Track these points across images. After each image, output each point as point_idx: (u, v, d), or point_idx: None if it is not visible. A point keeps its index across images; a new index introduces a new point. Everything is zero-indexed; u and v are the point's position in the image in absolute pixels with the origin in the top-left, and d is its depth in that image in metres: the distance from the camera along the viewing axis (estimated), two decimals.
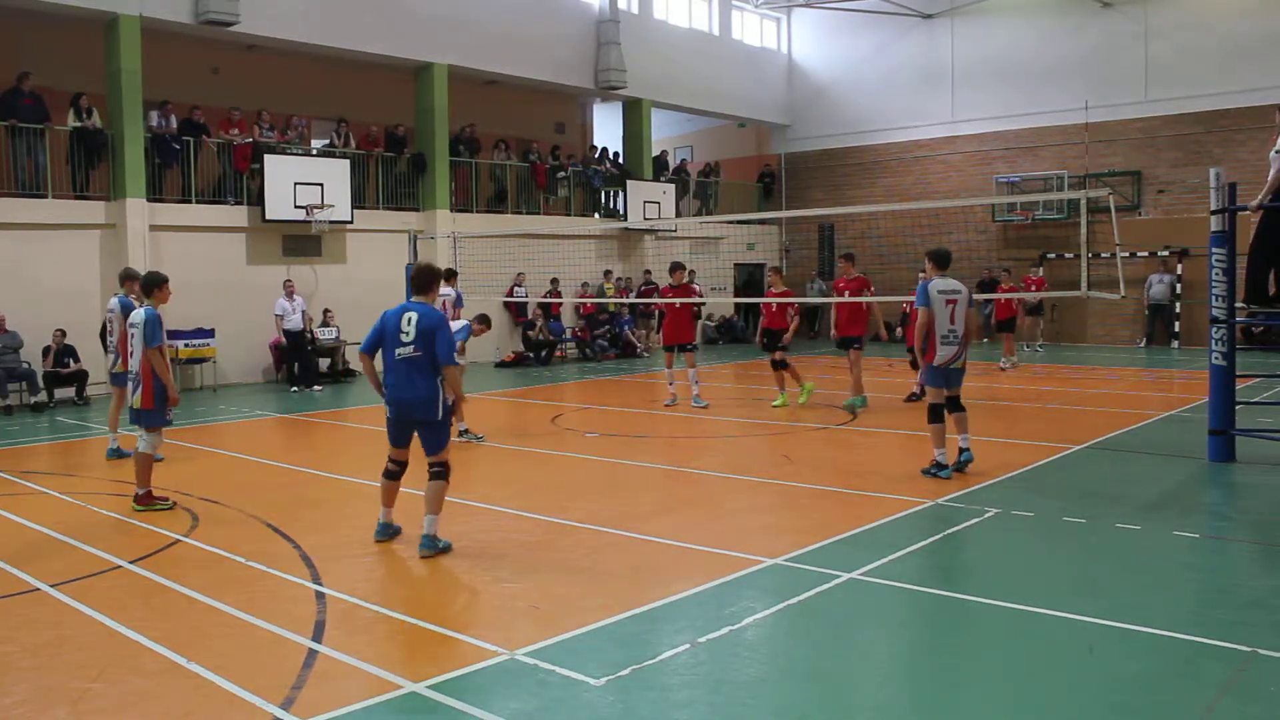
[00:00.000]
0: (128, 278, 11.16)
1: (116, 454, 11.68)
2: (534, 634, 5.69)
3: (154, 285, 9.32)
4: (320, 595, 6.49)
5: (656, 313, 25.99)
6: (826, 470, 10.22)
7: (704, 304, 15.21)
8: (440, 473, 7.51)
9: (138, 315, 9.17)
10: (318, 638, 5.71)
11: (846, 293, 14.79)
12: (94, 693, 5.05)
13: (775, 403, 15.16)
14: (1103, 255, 22.76)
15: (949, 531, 7.88)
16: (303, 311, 19.29)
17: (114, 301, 11.19)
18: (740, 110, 31.51)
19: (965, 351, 9.81)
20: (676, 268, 15.60)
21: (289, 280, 19.61)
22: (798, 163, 32.90)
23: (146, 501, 9.02)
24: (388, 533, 7.90)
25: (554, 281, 24.18)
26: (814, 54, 32.54)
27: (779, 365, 15.00)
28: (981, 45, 28.78)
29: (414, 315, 7.46)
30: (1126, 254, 23.97)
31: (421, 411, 7.45)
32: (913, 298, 10.01)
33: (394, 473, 7.85)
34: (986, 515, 8.27)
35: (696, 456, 11.76)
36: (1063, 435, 12.04)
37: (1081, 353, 24.13)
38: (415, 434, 7.67)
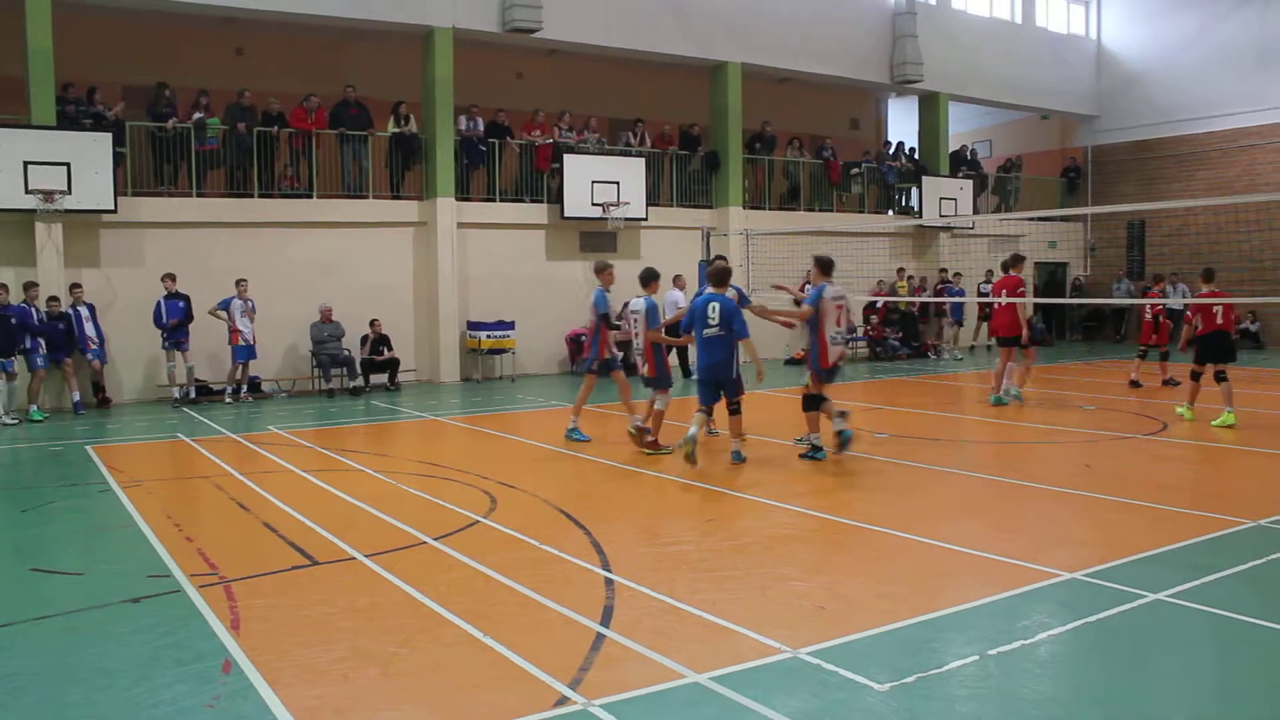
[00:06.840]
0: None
1: (575, 435, 12.21)
2: (818, 634, 5.61)
3: (650, 279, 11.71)
4: (609, 581, 6.65)
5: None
6: (1133, 482, 9.57)
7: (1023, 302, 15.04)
8: (735, 409, 10.58)
9: (639, 304, 11.52)
10: (605, 622, 5.85)
11: (1004, 292, 15.09)
12: (401, 657, 5.39)
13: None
14: None
15: (1275, 556, 7.16)
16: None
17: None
18: (1043, 102, 29.99)
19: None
20: (1016, 260, 15.50)
21: (679, 275, 18.81)
22: (1106, 155, 30.97)
23: (654, 447, 11.19)
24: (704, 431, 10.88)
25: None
26: (1126, 38, 30.51)
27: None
28: None
29: (717, 305, 10.35)
30: None
31: (719, 371, 10.38)
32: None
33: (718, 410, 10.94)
34: None
35: (990, 461, 11.30)
36: None
37: None
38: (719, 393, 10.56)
